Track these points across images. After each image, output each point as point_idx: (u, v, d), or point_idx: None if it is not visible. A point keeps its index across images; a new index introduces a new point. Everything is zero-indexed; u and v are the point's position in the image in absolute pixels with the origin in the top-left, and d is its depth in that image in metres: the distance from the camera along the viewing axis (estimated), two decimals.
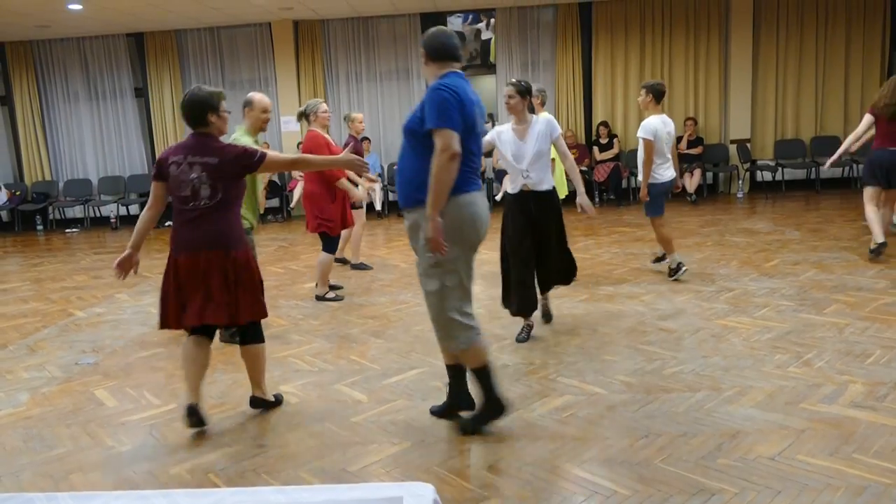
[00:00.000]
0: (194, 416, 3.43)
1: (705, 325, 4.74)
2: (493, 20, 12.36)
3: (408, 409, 3.65)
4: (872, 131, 6.38)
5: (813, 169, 11.13)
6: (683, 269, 5.94)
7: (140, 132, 12.16)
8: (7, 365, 4.76)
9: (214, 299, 3.36)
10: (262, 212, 5.53)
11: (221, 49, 11.77)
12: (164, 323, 3.51)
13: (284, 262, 7.91)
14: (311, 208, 5.87)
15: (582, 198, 4.82)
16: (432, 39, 3.26)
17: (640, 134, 5.75)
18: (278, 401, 3.83)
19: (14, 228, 11.89)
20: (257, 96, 4.76)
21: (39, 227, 11.76)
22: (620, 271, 6.42)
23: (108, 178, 12.12)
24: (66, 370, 4.58)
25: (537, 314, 4.83)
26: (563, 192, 5.85)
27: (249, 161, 3.42)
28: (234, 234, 3.43)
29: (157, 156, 3.49)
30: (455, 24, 13.85)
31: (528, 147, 4.43)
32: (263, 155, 3.45)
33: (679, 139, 11.10)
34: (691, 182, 10.68)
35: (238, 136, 4.69)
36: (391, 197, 11.20)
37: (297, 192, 10.26)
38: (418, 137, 3.13)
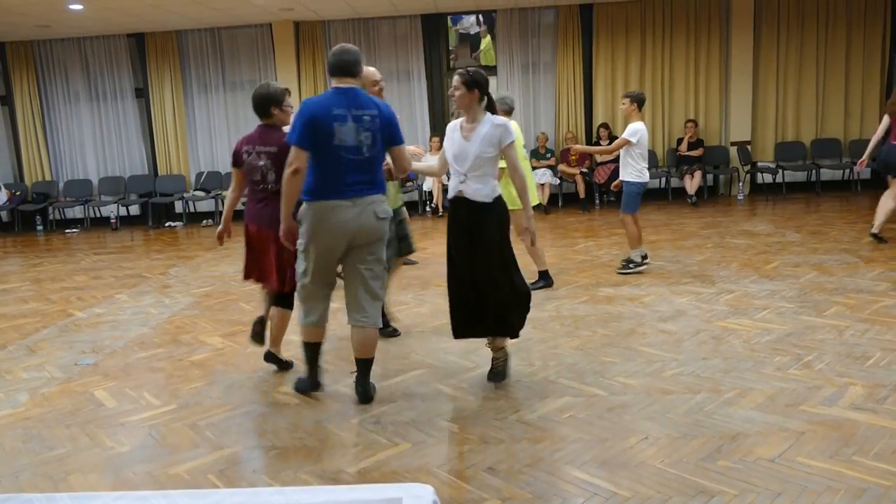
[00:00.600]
0: (259, 326, 4.31)
1: (705, 327, 4.73)
2: (481, 17, 12.43)
3: (407, 411, 3.65)
4: None
5: (813, 171, 11.14)
6: (644, 265, 6.31)
7: (140, 133, 12.15)
8: (6, 365, 4.76)
9: (270, 267, 4.03)
10: None
11: (222, 50, 11.76)
12: (246, 275, 4.27)
13: None
14: None
15: (529, 222, 3.97)
16: (329, 57, 3.68)
17: (625, 134, 6.24)
18: (288, 365, 4.35)
19: (14, 229, 11.88)
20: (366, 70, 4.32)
21: (39, 228, 11.75)
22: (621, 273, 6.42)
23: (109, 179, 12.12)
24: (65, 371, 4.58)
25: (483, 370, 4.15)
26: (534, 201, 5.36)
27: None
28: None
29: (234, 147, 4.19)
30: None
31: (471, 149, 3.76)
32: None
33: (679, 141, 11.16)
34: (692, 184, 10.69)
35: None
36: None
37: None
38: None
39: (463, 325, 3.94)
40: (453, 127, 3.93)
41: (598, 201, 11.02)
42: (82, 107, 12.06)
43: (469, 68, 3.83)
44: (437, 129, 11.22)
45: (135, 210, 12.22)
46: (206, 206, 11.93)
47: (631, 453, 3.05)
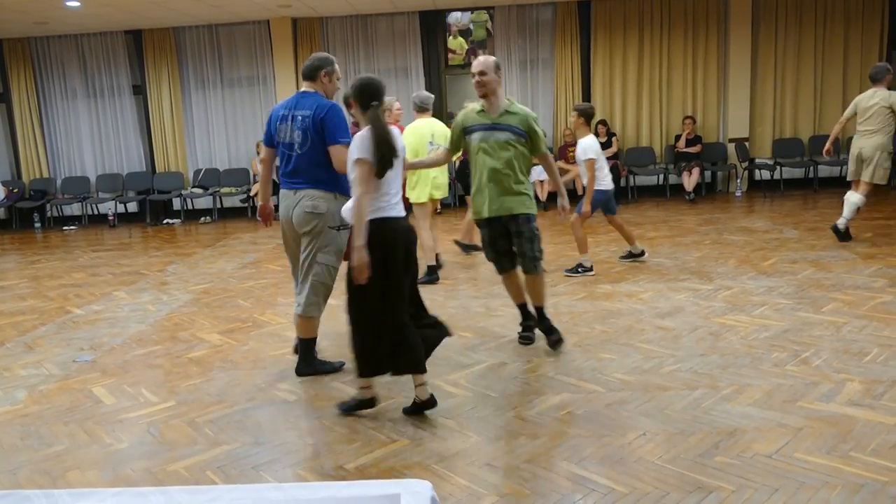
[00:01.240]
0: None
1: (703, 324, 4.74)
2: (471, 14, 12.46)
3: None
4: None
5: (811, 167, 11.14)
6: (587, 272, 6.18)
7: (138, 129, 12.14)
8: (4, 362, 4.76)
9: None
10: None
11: (220, 46, 11.75)
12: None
13: (281, 260, 7.89)
14: None
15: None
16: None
17: (588, 155, 5.98)
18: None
19: (12, 226, 11.87)
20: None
21: (37, 225, 11.74)
22: (618, 269, 6.43)
23: (106, 176, 12.10)
24: (63, 368, 4.58)
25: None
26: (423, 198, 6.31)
27: None
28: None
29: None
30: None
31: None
32: None
33: (677, 138, 11.17)
34: (690, 180, 10.69)
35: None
36: None
37: None
38: None
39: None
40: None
41: None
42: (80, 104, 12.05)
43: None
44: None
45: (133, 207, 12.22)
46: (203, 203, 11.92)
47: (629, 449, 3.06)
